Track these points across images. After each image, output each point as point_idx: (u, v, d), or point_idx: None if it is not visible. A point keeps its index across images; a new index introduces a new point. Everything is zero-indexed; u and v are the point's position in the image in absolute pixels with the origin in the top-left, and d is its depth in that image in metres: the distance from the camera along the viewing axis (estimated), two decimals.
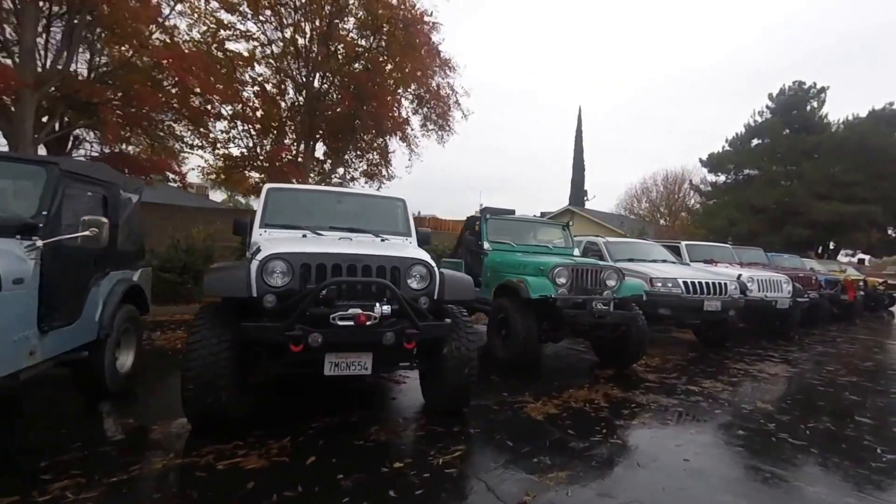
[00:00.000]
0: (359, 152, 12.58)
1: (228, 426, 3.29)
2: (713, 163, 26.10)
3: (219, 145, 11.67)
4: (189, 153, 12.86)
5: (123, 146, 11.25)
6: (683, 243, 10.14)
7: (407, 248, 3.96)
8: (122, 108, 8.95)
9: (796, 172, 23.52)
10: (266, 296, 3.19)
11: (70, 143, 9.85)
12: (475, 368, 3.63)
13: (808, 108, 24.55)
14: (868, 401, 4.91)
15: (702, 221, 25.71)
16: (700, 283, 6.98)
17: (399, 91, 11.74)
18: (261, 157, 10.82)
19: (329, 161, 12.41)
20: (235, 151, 11.73)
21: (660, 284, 6.91)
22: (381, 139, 12.17)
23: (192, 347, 3.14)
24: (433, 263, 3.57)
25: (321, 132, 11.39)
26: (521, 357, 5.10)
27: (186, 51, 8.89)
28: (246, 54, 11.13)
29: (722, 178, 26.66)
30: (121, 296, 3.99)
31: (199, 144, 11.89)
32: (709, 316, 7.02)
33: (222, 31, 10.55)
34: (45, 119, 8.64)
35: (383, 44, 10.71)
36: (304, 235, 4.14)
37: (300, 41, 10.59)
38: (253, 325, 3.06)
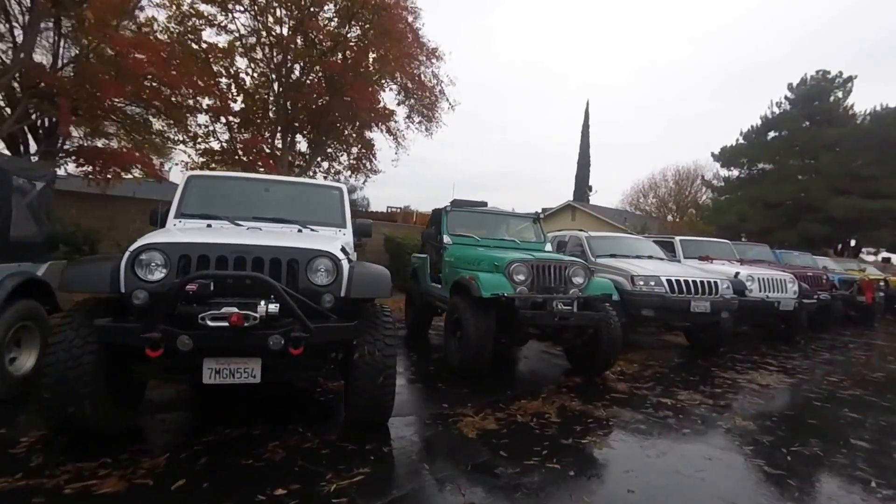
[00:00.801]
0: (342, 145, 12.12)
1: (108, 439, 2.88)
2: (726, 157, 25.05)
3: (199, 140, 11.34)
4: (173, 148, 12.62)
5: (100, 140, 11.05)
6: (678, 238, 9.45)
7: (325, 239, 3.49)
8: (86, 99, 8.63)
9: (814, 167, 22.38)
10: (136, 292, 2.75)
11: (56, 138, 9.60)
12: (392, 377, 3.14)
13: (832, 98, 23.27)
14: (869, 419, 4.27)
15: (711, 218, 24.70)
16: (687, 281, 6.35)
17: (383, 81, 11.26)
18: (239, 151, 10.44)
19: (318, 155, 12.01)
20: (216, 146, 11.40)
21: (641, 283, 6.31)
22: (363, 131, 11.70)
23: (52, 350, 2.72)
24: (341, 256, 3.09)
25: (298, 124, 10.93)
26: (474, 362, 4.58)
27: (153, 40, 8.49)
28: (225, 46, 10.75)
29: (735, 172, 25.60)
30: (9, 290, 3.60)
31: (181, 139, 11.60)
32: (698, 318, 6.40)
33: (196, 20, 10.16)
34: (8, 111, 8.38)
35: (359, 31, 10.23)
36: (209, 225, 3.70)
37: (277, 30, 10.16)
38: (106, 324, 2.62)
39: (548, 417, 3.82)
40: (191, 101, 10.09)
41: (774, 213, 22.84)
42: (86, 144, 10.59)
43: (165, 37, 9.86)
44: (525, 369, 5.62)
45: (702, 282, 6.41)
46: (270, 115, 10.62)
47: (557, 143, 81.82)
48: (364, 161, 12.36)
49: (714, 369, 5.85)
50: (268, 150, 10.43)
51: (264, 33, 10.10)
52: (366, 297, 3.04)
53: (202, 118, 11.16)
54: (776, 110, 24.48)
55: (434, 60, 11.72)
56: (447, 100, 12.16)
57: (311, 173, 11.70)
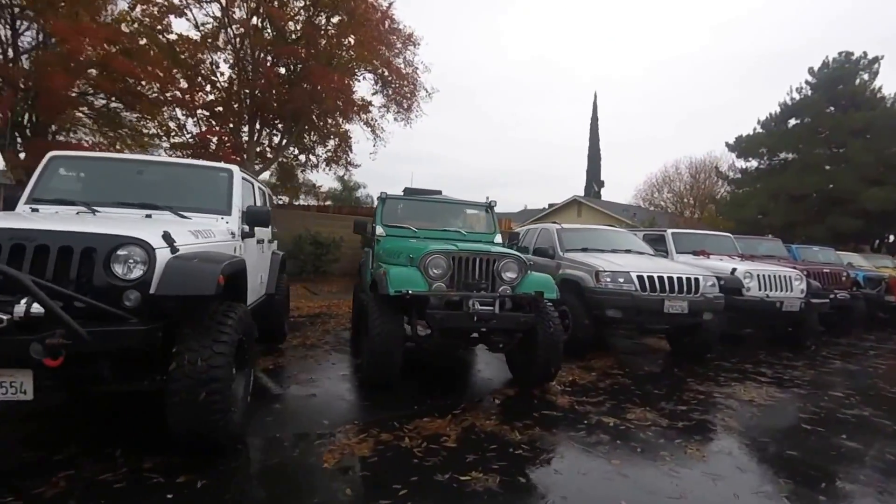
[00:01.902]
0: (319, 137, 11.58)
1: None
2: (742, 147, 23.49)
3: (173, 133, 11.01)
4: (151, 143, 12.34)
5: (73, 134, 10.83)
6: (669, 231, 8.52)
7: (149, 224, 2.89)
8: (43, 92, 8.31)
9: (842, 155, 20.74)
10: None
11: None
12: (220, 392, 2.47)
13: (857, 81, 21.57)
14: (872, 451, 3.36)
15: (729, 212, 23.22)
16: (661, 278, 5.49)
17: (357, 71, 10.67)
18: (209, 145, 10.02)
19: (289, 146, 11.51)
20: (190, 139, 11.02)
21: (608, 279, 5.48)
22: (339, 122, 11.15)
23: None
24: (158, 244, 2.46)
25: (263, 114, 10.41)
26: (379, 369, 3.89)
27: (99, 27, 8.10)
28: (197, 38, 10.36)
29: (753, 163, 24.01)
30: None
31: (156, 132, 11.29)
32: (674, 320, 5.54)
33: (164, 9, 9.79)
34: None
35: (323, 18, 9.68)
36: (35, 210, 3.15)
37: (238, 14, 9.69)
38: None
39: (443, 441, 3.09)
40: (156, 93, 9.75)
41: (799, 207, 21.28)
42: (62, 139, 10.40)
43: (127, 28, 9.54)
44: (462, 377, 4.89)
45: (679, 279, 5.54)
46: (234, 106, 10.14)
47: (570, 137, 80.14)
48: (340, 153, 11.79)
49: (690, 380, 4.99)
50: (226, 142, 9.94)
51: (227, 21, 9.65)
52: (181, 294, 2.39)
53: (180, 112, 10.84)
54: (796, 96, 22.86)
55: (411, 47, 11.09)
56: (424, 87, 11.52)
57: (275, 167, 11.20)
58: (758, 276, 7.11)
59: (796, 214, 20.96)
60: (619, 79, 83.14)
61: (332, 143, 11.74)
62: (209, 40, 10.18)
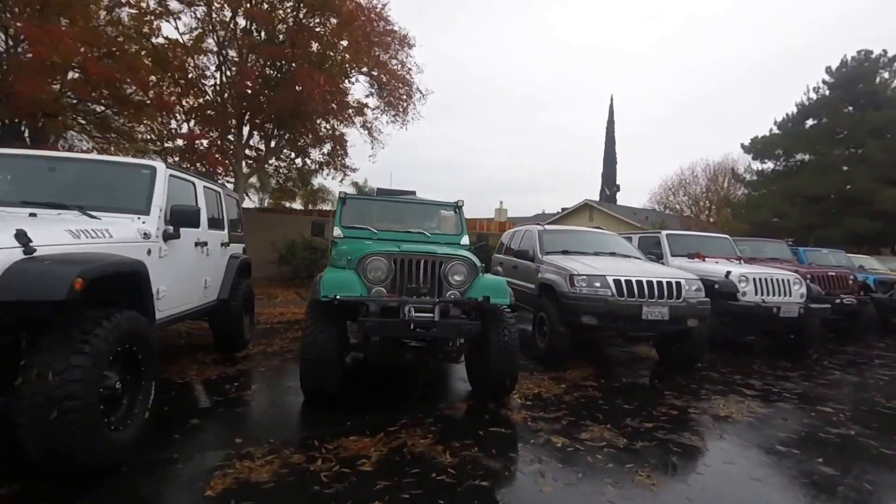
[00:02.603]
0: (315, 140, 11.37)
1: None
2: (758, 148, 22.74)
3: (165, 137, 10.94)
4: (146, 148, 12.31)
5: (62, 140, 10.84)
6: (664, 233, 8.08)
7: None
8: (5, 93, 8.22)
9: (860, 156, 19.88)
10: None
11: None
12: (75, 411, 2.16)
13: (878, 80, 20.75)
14: (849, 478, 2.94)
15: (744, 215, 22.44)
16: (640, 282, 5.10)
17: (351, 73, 10.48)
18: (199, 148, 9.89)
19: (279, 149, 11.34)
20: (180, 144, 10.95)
21: (583, 283, 5.11)
22: (329, 125, 10.95)
23: None
24: (7, 243, 2.22)
25: (251, 117, 10.23)
26: (314, 380, 3.59)
27: (71, 30, 7.99)
28: (188, 41, 10.30)
29: (769, 165, 23.21)
30: None
31: (149, 138, 11.24)
32: (655, 327, 5.13)
33: (155, 15, 9.72)
34: None
35: (310, 19, 9.50)
36: None
37: (223, 14, 9.55)
38: None
39: (360, 464, 2.78)
40: (141, 97, 9.68)
41: (815, 209, 20.46)
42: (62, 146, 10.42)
43: (113, 31, 9.49)
44: (421, 388, 4.55)
45: (659, 283, 5.14)
46: (223, 108, 9.98)
47: (591, 141, 79.30)
48: (336, 157, 11.60)
49: (669, 393, 4.58)
50: (214, 145, 9.80)
51: (211, 21, 9.53)
52: (22, 299, 2.13)
53: (166, 116, 10.77)
54: (814, 96, 22.08)
55: (406, 48, 10.89)
56: (419, 89, 11.27)
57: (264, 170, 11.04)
58: (754, 279, 6.67)
59: (813, 216, 20.16)
60: (637, 82, 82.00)
61: (326, 147, 11.56)
62: (198, 43, 10.10)
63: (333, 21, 9.40)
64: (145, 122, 10.48)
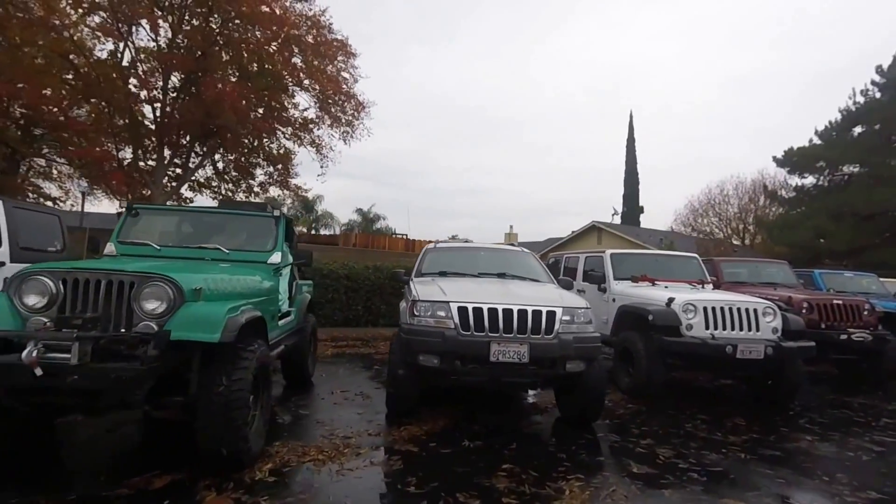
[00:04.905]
0: (243, 159, 10.88)
1: None
2: (794, 161, 20.26)
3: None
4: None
5: None
6: (608, 252, 6.67)
7: None
8: None
9: None
10: None
11: None
12: None
13: None
14: None
15: (779, 236, 19.86)
16: (495, 310, 3.83)
17: (287, 85, 9.95)
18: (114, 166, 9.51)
19: (202, 167, 10.85)
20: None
21: (423, 312, 3.90)
22: (269, 142, 10.41)
23: None
24: None
25: (170, 136, 9.80)
26: None
27: None
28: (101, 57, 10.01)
29: (809, 179, 20.59)
30: None
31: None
32: (516, 371, 3.81)
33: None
34: None
35: (216, 26, 9.09)
36: None
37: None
38: None
39: None
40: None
41: (867, 228, 17.76)
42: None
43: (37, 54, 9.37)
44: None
45: (521, 311, 3.84)
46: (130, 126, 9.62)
47: (616, 162, 76.24)
48: (280, 176, 11.04)
49: (504, 470, 3.23)
50: (121, 165, 9.40)
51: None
52: None
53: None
54: (861, 100, 19.52)
55: (347, 58, 10.30)
56: (356, 97, 10.61)
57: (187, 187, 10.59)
58: (704, 308, 5.18)
59: (864, 236, 17.48)
60: (665, 100, 78.00)
61: (266, 165, 11.04)
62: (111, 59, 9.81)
63: (258, 32, 8.91)
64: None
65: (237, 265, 3.81)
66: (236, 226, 4.40)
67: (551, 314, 3.87)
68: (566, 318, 3.92)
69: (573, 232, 23.64)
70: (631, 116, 32.26)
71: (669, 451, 3.70)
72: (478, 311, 3.83)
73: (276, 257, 4.14)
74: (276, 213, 4.38)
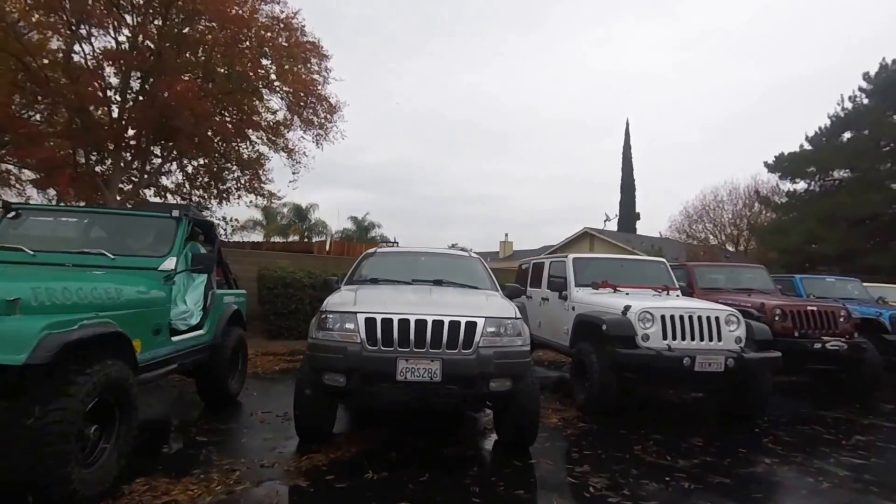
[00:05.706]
0: (211, 163, 10.52)
1: None
2: (785, 167, 19.93)
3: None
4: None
5: None
6: (571, 257, 6.25)
7: None
8: None
9: None
10: None
11: None
12: None
13: None
14: None
15: (771, 241, 19.48)
16: (406, 321, 3.39)
17: (258, 87, 9.62)
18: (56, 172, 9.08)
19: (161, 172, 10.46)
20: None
21: (331, 323, 3.46)
22: (237, 145, 10.07)
23: None
24: None
25: (114, 135, 9.38)
26: None
27: None
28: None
29: (800, 184, 20.26)
30: None
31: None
32: (430, 391, 3.37)
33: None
34: None
35: (172, 24, 8.78)
36: None
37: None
38: None
39: None
40: None
41: (858, 232, 17.39)
42: None
43: None
44: None
45: (435, 322, 3.38)
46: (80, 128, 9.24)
47: (617, 168, 75.70)
48: (250, 181, 10.69)
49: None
50: (74, 168, 9.00)
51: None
52: None
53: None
54: (850, 106, 19.27)
55: (319, 60, 10.01)
56: (332, 104, 10.28)
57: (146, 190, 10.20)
58: (660, 317, 4.75)
59: (855, 241, 17.12)
60: (654, 107, 77.42)
61: (236, 169, 10.69)
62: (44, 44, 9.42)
63: (219, 32, 8.59)
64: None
65: (115, 272, 3.39)
66: (131, 229, 3.99)
67: (471, 325, 3.42)
68: (490, 329, 3.48)
69: (566, 239, 23.22)
70: (627, 124, 32.11)
71: (604, 481, 3.24)
72: (387, 322, 3.39)
73: (169, 263, 3.71)
74: (176, 213, 3.96)
